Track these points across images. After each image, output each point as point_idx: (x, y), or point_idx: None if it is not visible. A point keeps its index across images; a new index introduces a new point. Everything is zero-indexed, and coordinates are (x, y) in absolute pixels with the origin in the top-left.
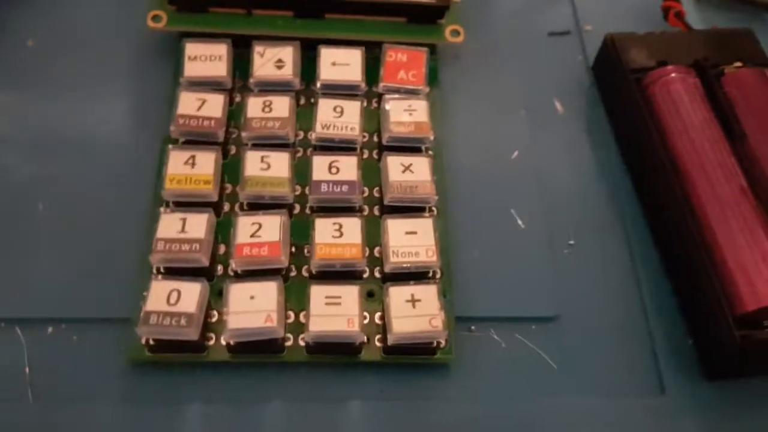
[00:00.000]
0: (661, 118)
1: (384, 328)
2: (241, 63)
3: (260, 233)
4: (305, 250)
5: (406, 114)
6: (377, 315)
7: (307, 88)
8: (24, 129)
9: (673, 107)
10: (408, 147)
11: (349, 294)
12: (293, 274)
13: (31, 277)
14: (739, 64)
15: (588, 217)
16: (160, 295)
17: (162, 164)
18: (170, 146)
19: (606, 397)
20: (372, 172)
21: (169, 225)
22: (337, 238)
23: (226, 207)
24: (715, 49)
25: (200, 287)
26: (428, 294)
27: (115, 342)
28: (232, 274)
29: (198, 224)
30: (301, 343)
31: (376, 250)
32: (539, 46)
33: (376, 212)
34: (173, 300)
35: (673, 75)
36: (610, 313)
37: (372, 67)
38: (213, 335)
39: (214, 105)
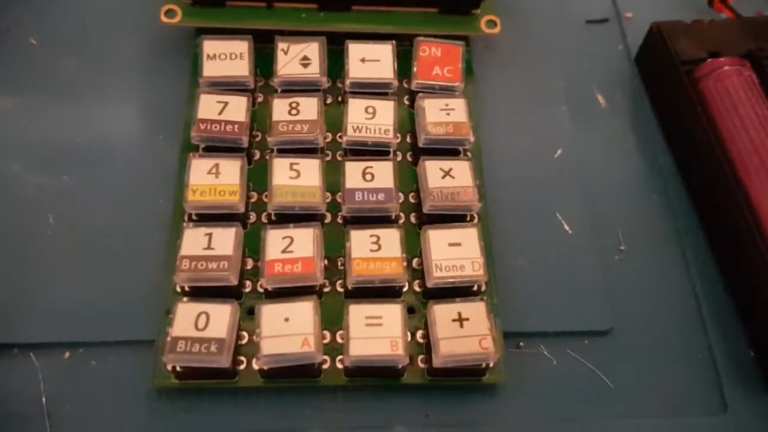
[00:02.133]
0: (716, 114)
1: (428, 348)
2: (262, 59)
3: (292, 248)
4: (338, 263)
5: (443, 114)
6: (419, 333)
7: (333, 84)
8: (29, 136)
9: (729, 103)
10: (446, 149)
11: (392, 313)
12: (327, 289)
13: (44, 297)
14: None
15: (638, 219)
16: (187, 318)
17: (183, 172)
18: (191, 154)
19: (666, 417)
20: (406, 177)
21: (193, 241)
22: (375, 252)
23: (252, 217)
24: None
25: (230, 309)
26: (476, 312)
27: (137, 366)
28: (261, 291)
29: (225, 240)
30: (339, 366)
31: (415, 261)
32: (577, 36)
33: (413, 220)
34: (201, 324)
35: (726, 68)
36: (666, 324)
37: (403, 62)
38: (243, 359)
39: (237, 108)
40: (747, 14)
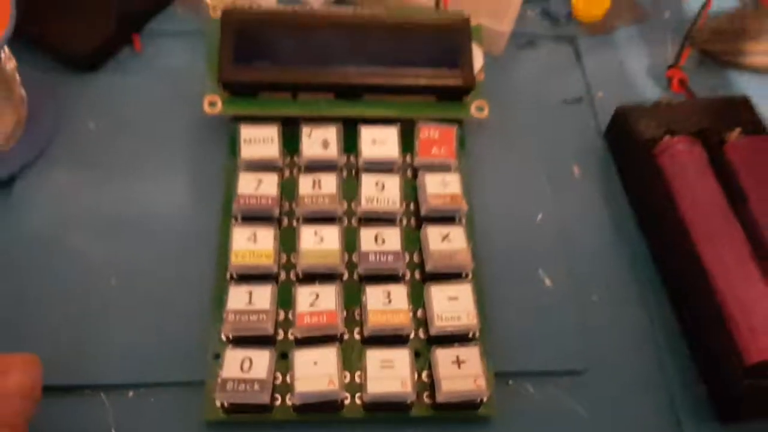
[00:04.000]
0: (671, 185)
1: (431, 386)
2: (289, 140)
3: (318, 302)
4: (355, 314)
5: (441, 187)
6: (424, 373)
7: (347, 161)
8: (91, 209)
9: (681, 175)
10: (444, 217)
11: (401, 357)
12: (346, 337)
13: (110, 345)
14: (738, 130)
15: (608, 274)
16: (234, 363)
17: (222, 238)
18: (233, 223)
19: None
20: (410, 238)
21: (237, 297)
22: (386, 305)
23: (282, 275)
24: (717, 117)
25: (269, 354)
26: (471, 355)
27: (189, 403)
28: (292, 338)
29: (263, 296)
30: (358, 402)
31: (419, 312)
32: (555, 114)
33: (417, 276)
34: (246, 367)
35: (679, 146)
36: (633, 363)
37: (407, 138)
38: (278, 396)
39: (270, 184)
40: (703, 92)
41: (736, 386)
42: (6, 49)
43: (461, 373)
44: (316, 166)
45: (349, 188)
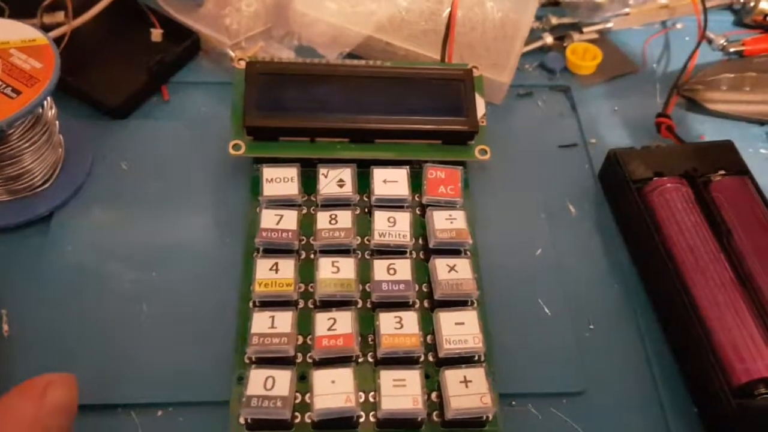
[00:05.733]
0: (660, 222)
1: (441, 405)
2: (307, 180)
3: (335, 327)
4: (369, 339)
5: (447, 222)
6: (434, 394)
7: (361, 199)
8: (124, 242)
9: (669, 212)
10: (450, 250)
11: (412, 377)
12: (361, 359)
13: (141, 367)
14: (722, 172)
15: (603, 303)
16: (258, 381)
17: (246, 269)
18: (255, 255)
19: None
20: (420, 271)
21: (260, 322)
22: (398, 329)
23: (301, 303)
24: (702, 160)
25: (290, 374)
26: (477, 375)
27: (214, 421)
28: (310, 361)
29: (284, 321)
30: (372, 420)
31: (429, 337)
32: (551, 158)
33: (426, 304)
34: (269, 385)
35: (668, 185)
36: (627, 385)
37: (415, 182)
38: (298, 414)
39: (290, 220)
40: (690, 138)
41: (725, 407)
42: (48, 98)
43: (468, 392)
44: (333, 204)
45: (363, 223)
